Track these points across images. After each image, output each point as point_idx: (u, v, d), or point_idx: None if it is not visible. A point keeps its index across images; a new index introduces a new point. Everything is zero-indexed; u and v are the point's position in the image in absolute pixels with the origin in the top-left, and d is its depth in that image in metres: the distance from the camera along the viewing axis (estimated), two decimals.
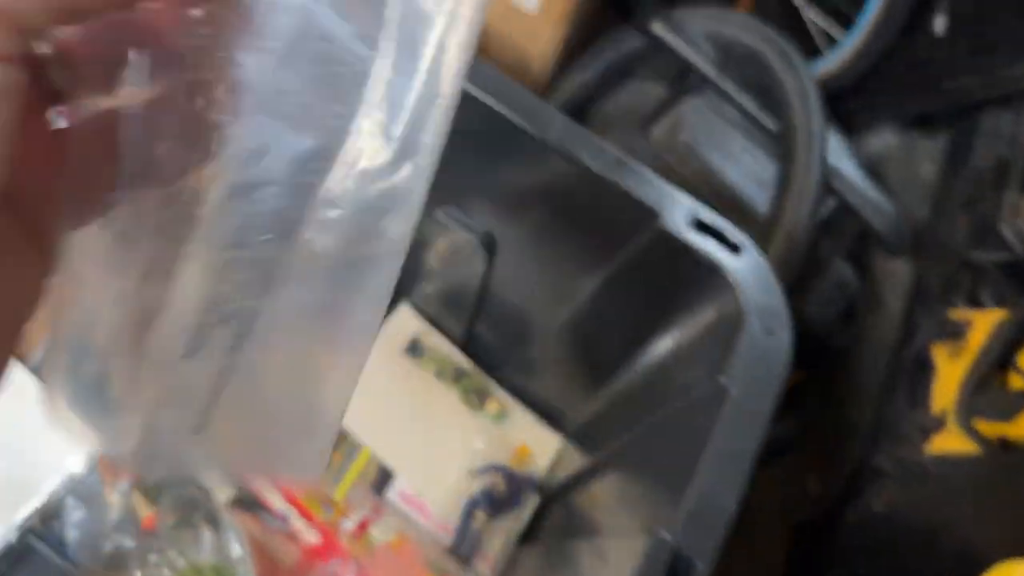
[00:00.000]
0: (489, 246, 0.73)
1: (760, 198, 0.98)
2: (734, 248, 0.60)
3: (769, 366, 0.57)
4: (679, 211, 0.60)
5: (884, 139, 1.45)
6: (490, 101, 0.60)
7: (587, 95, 1.07)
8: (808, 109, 0.92)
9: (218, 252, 0.22)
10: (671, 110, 1.03)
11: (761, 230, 0.95)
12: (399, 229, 0.23)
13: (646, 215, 0.60)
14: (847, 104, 1.33)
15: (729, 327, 0.58)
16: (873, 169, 1.29)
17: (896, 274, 1.14)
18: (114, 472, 0.75)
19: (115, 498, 0.72)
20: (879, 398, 1.11)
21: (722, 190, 0.99)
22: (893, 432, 1.07)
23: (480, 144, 0.63)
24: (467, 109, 0.65)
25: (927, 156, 1.37)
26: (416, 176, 0.23)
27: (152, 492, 0.72)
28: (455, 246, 0.74)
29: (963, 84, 1.38)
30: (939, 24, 1.41)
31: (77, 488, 0.72)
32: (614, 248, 0.64)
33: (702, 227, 0.60)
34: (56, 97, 0.23)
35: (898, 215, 1.05)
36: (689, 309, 0.63)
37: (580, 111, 1.08)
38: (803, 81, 0.94)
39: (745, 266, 0.59)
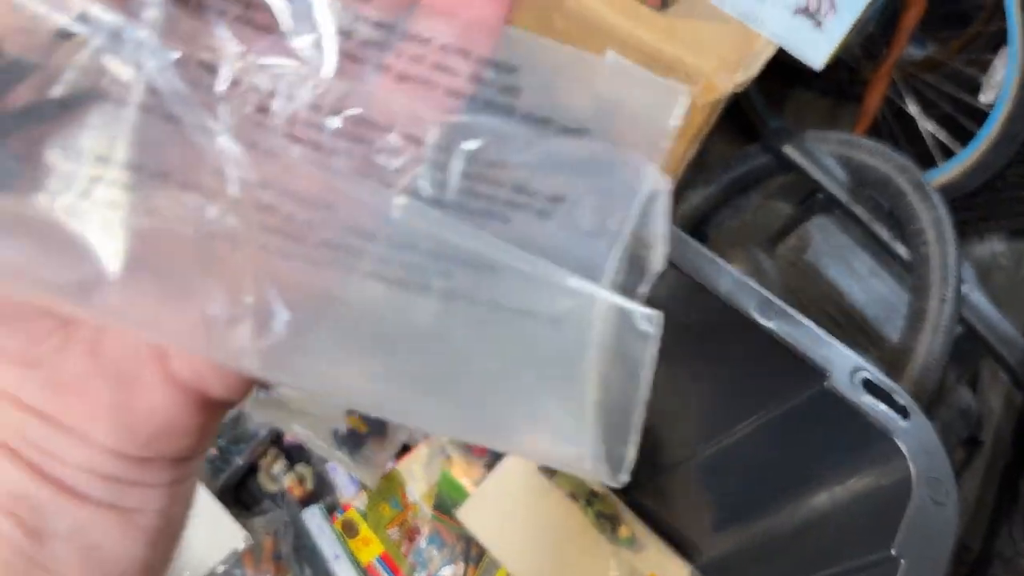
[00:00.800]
0: None
1: (888, 324, 0.98)
2: (903, 412, 0.60)
3: (938, 537, 0.56)
4: (847, 370, 0.61)
5: (992, 246, 1.44)
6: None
7: (711, 208, 1.09)
8: (944, 242, 0.92)
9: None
10: (798, 228, 1.04)
11: (889, 358, 0.94)
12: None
13: (814, 373, 0.61)
14: (958, 213, 1.32)
15: (896, 493, 0.58)
16: (980, 275, 1.28)
17: (1011, 397, 1.13)
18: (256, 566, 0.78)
19: None
20: (991, 526, 1.09)
21: (849, 312, 1.00)
22: (1003, 560, 1.05)
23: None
24: None
25: None
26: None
27: None
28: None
29: None
30: None
31: None
32: (775, 399, 0.65)
33: (871, 388, 0.61)
34: None
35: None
36: (852, 468, 0.63)
37: (702, 223, 1.09)
38: (939, 212, 0.94)
39: (914, 432, 0.59)
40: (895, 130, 1.41)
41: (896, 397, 0.61)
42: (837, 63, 1.11)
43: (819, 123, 1.49)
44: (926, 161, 1.37)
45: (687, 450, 0.76)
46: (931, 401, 0.96)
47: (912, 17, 1.17)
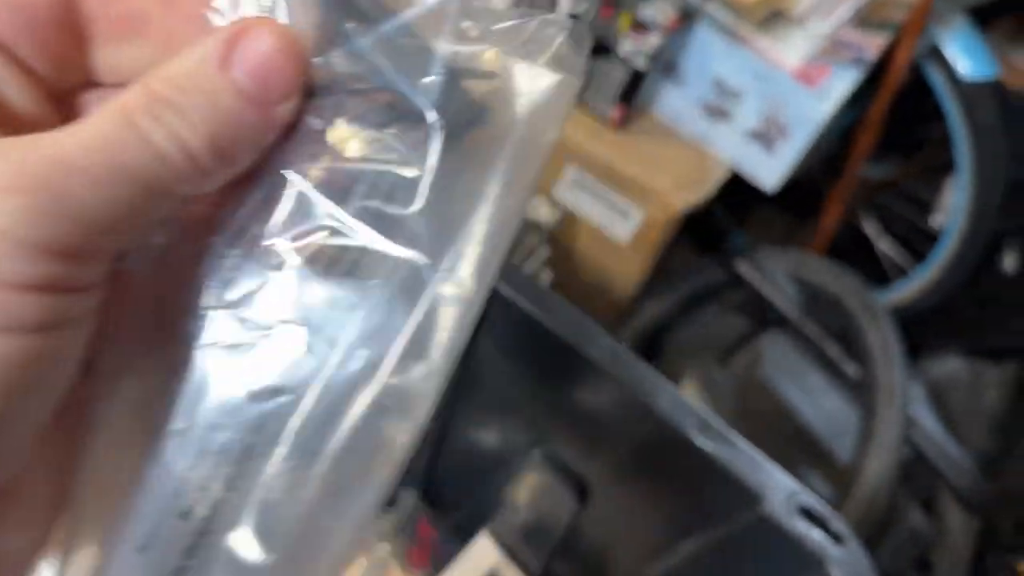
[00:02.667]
0: (581, 492, 0.74)
1: (838, 442, 0.99)
2: (837, 539, 0.60)
3: None
4: (783, 495, 0.61)
5: (949, 365, 1.46)
6: (604, 369, 0.63)
7: (665, 321, 1.11)
8: (891, 364, 0.94)
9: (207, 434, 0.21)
10: (752, 344, 1.05)
11: (839, 478, 0.95)
12: (401, 437, 0.21)
13: (749, 497, 0.61)
14: (913, 330, 1.35)
15: None
16: (937, 395, 1.29)
17: (967, 520, 1.13)
18: None
19: None
20: None
21: (800, 429, 1.00)
22: None
23: (584, 397, 0.65)
24: (574, 367, 0.67)
25: (994, 384, 1.37)
26: (426, 379, 0.21)
27: None
28: (545, 486, 0.75)
29: None
30: (1009, 263, 1.45)
31: None
32: (713, 521, 0.65)
33: (807, 514, 0.61)
34: None
35: (975, 469, 1.04)
36: None
37: (659, 334, 1.11)
38: (887, 335, 0.96)
39: (848, 559, 0.59)
40: (852, 248, 1.45)
41: (831, 524, 0.61)
42: (798, 181, 1.16)
43: (780, 238, 1.53)
44: (882, 280, 1.40)
45: (632, 568, 0.75)
46: (881, 523, 0.96)
47: (865, 142, 1.21)
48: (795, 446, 1.01)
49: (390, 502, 0.84)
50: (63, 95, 0.23)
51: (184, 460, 0.21)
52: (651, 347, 1.09)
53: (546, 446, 0.74)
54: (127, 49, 0.23)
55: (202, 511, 0.21)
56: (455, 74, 0.21)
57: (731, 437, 0.63)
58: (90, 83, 0.23)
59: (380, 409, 0.21)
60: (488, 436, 0.84)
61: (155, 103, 0.19)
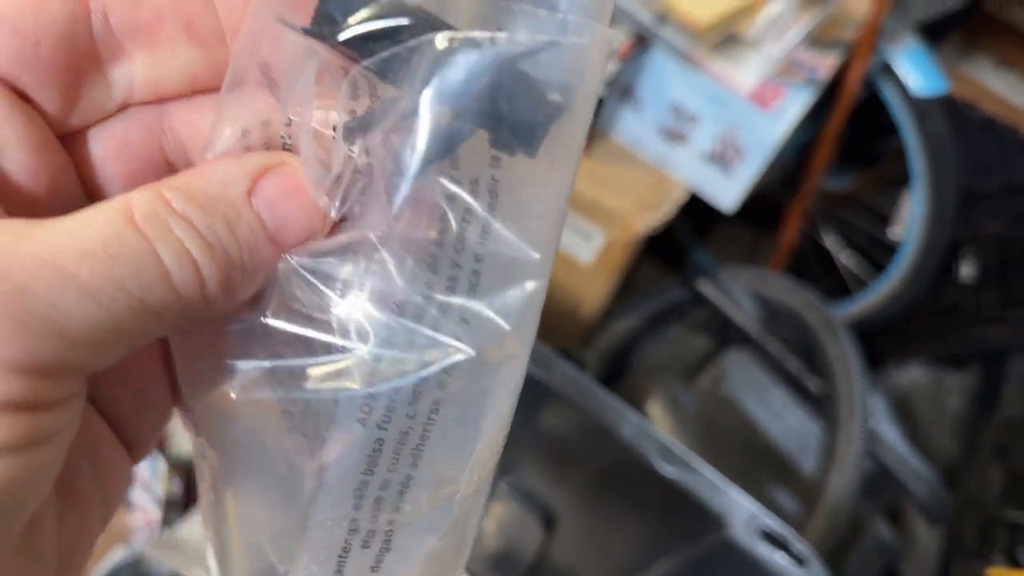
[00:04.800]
0: (548, 521, 0.74)
1: (802, 457, 1.00)
2: (799, 561, 0.61)
3: None
4: (745, 519, 0.62)
5: (912, 374, 1.48)
6: (567, 397, 0.63)
7: (631, 341, 1.11)
8: (851, 379, 0.95)
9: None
10: (715, 362, 1.07)
11: (803, 493, 0.96)
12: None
13: (712, 522, 0.62)
14: (875, 341, 1.37)
15: None
16: (901, 403, 1.31)
17: (932, 530, 1.15)
18: None
19: None
20: None
21: (765, 446, 1.02)
22: None
23: (551, 426, 0.66)
24: (536, 396, 0.68)
25: (955, 391, 1.39)
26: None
27: None
28: (514, 515, 0.76)
29: (990, 332, 1.43)
30: (966, 272, 1.48)
31: None
32: (678, 545, 0.66)
33: (768, 537, 0.62)
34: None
35: (937, 481, 1.06)
36: None
37: (625, 353, 1.12)
38: (846, 349, 0.98)
39: None
40: (813, 262, 1.47)
41: (793, 546, 0.62)
42: (759, 196, 1.18)
43: (744, 253, 1.55)
44: (844, 292, 1.43)
45: None
46: (846, 535, 0.97)
47: (822, 158, 1.24)
48: (761, 462, 1.02)
49: None
50: (71, 133, 0.20)
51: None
52: (617, 367, 1.09)
53: (512, 476, 0.74)
54: (157, 60, 0.20)
55: None
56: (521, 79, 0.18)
57: (693, 463, 0.64)
58: (104, 115, 0.21)
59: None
60: None
61: (169, 215, 0.17)
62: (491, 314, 0.19)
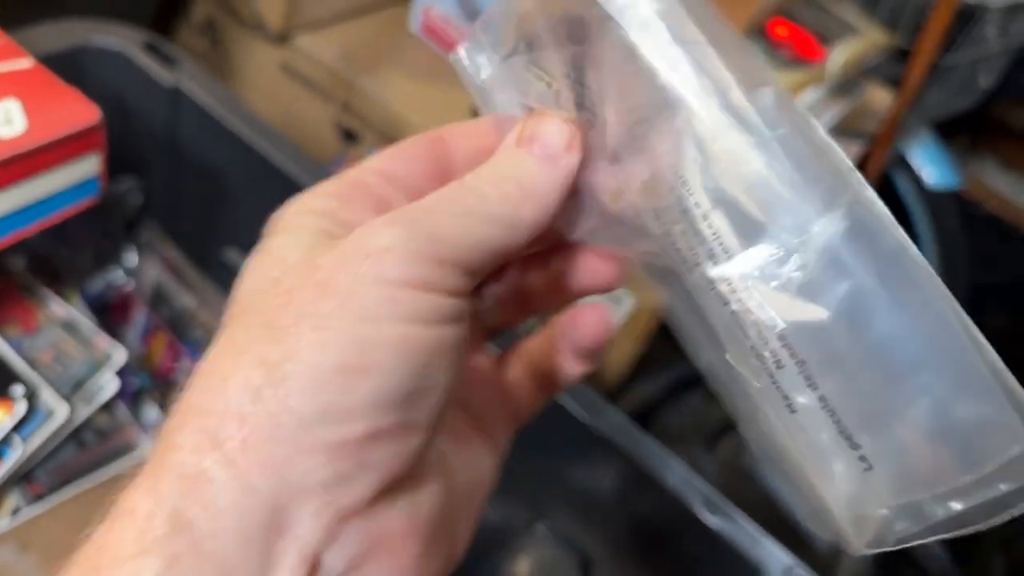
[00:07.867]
0: (584, 566, 0.76)
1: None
2: None
3: None
4: (781, 571, 0.64)
5: None
6: (611, 442, 0.66)
7: (654, 405, 1.14)
8: None
9: None
10: (735, 431, 1.09)
11: (821, 567, 0.97)
12: None
13: (750, 572, 0.64)
14: None
15: None
16: None
17: None
18: None
19: None
20: None
21: (782, 516, 1.03)
22: None
23: (593, 471, 0.68)
24: (579, 440, 0.70)
25: None
26: None
27: None
28: (548, 560, 0.77)
29: None
30: None
31: None
32: None
33: None
34: (487, 331, 0.33)
35: (949, 557, 1.08)
36: None
37: (645, 420, 1.14)
38: None
39: None
40: None
41: None
42: None
43: None
44: None
45: None
46: None
47: None
48: (778, 533, 1.04)
49: None
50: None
51: None
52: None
53: (550, 519, 0.76)
54: None
55: None
56: None
57: (733, 513, 0.67)
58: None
59: None
60: (488, 510, 0.85)
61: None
62: None
